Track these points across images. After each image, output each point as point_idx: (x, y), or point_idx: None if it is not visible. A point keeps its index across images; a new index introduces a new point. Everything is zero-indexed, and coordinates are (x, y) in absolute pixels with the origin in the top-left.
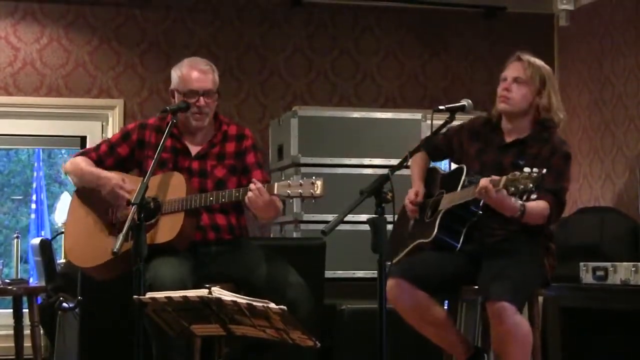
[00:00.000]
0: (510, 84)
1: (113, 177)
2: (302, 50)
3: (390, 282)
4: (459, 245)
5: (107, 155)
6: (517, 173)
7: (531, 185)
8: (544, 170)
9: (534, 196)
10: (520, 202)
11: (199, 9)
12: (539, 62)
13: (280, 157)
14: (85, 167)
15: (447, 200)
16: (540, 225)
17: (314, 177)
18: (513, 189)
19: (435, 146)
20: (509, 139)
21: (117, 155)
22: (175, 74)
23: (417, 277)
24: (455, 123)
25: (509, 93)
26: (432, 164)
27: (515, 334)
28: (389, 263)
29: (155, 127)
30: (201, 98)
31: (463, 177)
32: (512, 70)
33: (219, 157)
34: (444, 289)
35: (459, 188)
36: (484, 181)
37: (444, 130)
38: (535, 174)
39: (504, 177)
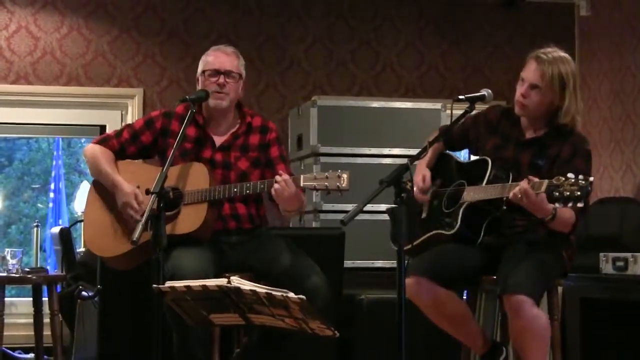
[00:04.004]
0: (528, 89)
1: (127, 192)
2: (321, 40)
3: (410, 280)
4: (480, 239)
5: (129, 143)
6: (562, 178)
7: (579, 193)
8: (591, 178)
9: (580, 204)
10: (552, 205)
11: None
12: (560, 59)
13: (299, 146)
14: (102, 166)
15: (471, 194)
16: (564, 232)
17: (339, 170)
18: (557, 194)
19: (451, 137)
20: (528, 136)
21: (140, 143)
22: (201, 60)
23: (437, 273)
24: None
25: (524, 100)
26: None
27: (533, 327)
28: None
29: (180, 116)
30: (221, 76)
31: (489, 171)
32: (530, 74)
33: (242, 149)
34: (463, 281)
35: (484, 182)
36: (524, 184)
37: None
38: (582, 182)
39: (546, 181)
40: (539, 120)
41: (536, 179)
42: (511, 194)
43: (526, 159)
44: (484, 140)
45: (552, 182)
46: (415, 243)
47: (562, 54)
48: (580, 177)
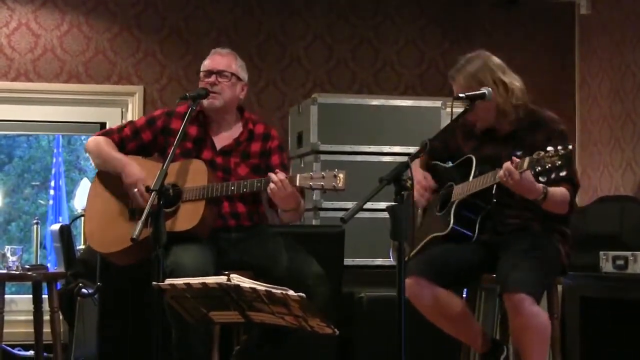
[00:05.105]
0: None
1: (136, 174)
2: (322, 38)
3: (409, 281)
4: (475, 236)
5: (129, 139)
6: (541, 152)
7: (559, 162)
8: (570, 146)
9: (563, 173)
10: (543, 185)
11: None
12: (467, 64)
13: (299, 144)
14: (109, 152)
15: (460, 191)
16: (563, 213)
17: (336, 170)
18: (539, 168)
19: (434, 150)
20: (502, 132)
21: (140, 140)
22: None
23: (436, 273)
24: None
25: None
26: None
27: (533, 325)
28: (406, 258)
29: (181, 115)
30: (213, 76)
31: (474, 167)
32: (455, 90)
33: (243, 156)
34: (462, 281)
35: (470, 178)
36: (506, 164)
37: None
38: (562, 151)
39: (527, 158)
40: (503, 119)
41: (518, 159)
42: (497, 176)
43: (505, 153)
44: (463, 145)
45: (532, 157)
46: (412, 253)
47: (470, 57)
48: (559, 147)
